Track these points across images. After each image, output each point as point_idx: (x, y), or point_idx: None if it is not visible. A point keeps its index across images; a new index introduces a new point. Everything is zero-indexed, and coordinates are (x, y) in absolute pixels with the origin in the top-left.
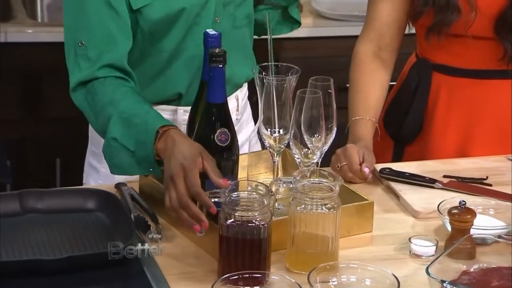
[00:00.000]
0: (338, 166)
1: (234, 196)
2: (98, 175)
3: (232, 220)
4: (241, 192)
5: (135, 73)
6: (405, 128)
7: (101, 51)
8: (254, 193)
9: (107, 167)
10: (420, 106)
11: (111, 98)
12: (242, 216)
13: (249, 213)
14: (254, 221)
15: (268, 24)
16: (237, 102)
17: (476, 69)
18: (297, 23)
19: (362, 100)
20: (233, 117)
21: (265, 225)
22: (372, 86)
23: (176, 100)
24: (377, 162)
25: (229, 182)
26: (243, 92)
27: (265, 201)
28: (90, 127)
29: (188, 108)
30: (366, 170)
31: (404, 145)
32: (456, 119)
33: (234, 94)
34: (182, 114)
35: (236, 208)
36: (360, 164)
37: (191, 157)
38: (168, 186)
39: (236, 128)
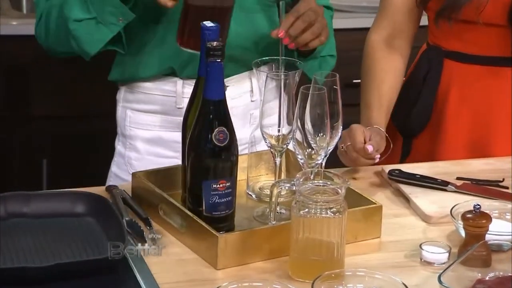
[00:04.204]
0: (342, 146)
1: None
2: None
3: None
4: None
5: (133, 43)
6: (413, 119)
7: None
8: None
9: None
10: (429, 95)
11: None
12: None
13: None
14: None
15: (280, 14)
16: (251, 82)
17: (490, 56)
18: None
19: (374, 87)
20: (248, 98)
21: None
22: (384, 73)
23: (172, 73)
24: (386, 162)
25: None
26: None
27: None
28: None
29: (189, 82)
30: (369, 147)
31: (412, 139)
32: (469, 110)
33: (247, 73)
34: (182, 86)
35: None
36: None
37: None
38: None
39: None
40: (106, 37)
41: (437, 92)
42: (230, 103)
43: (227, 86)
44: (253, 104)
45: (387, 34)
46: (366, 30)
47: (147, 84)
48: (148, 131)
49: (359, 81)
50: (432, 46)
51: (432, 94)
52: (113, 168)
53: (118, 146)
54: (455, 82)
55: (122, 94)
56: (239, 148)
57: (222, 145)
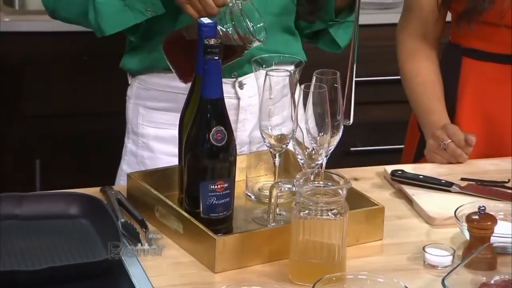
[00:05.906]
0: (442, 144)
1: None
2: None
3: None
4: None
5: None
6: None
7: None
8: None
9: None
10: (448, 93)
11: None
12: None
13: None
14: None
15: (356, 7)
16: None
17: (508, 54)
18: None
19: (427, 90)
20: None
21: None
22: (428, 73)
23: None
24: (402, 162)
25: None
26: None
27: None
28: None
29: None
30: (473, 138)
31: None
32: (484, 110)
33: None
34: None
35: None
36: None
37: None
38: None
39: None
40: (128, 23)
41: (457, 90)
42: (247, 101)
43: (244, 84)
44: (270, 101)
45: (418, 33)
46: (367, 27)
47: (162, 81)
48: (162, 129)
49: (360, 79)
50: (452, 44)
51: (451, 92)
52: (124, 166)
53: (129, 144)
54: (471, 81)
55: (134, 90)
56: (255, 146)
57: (220, 145)
